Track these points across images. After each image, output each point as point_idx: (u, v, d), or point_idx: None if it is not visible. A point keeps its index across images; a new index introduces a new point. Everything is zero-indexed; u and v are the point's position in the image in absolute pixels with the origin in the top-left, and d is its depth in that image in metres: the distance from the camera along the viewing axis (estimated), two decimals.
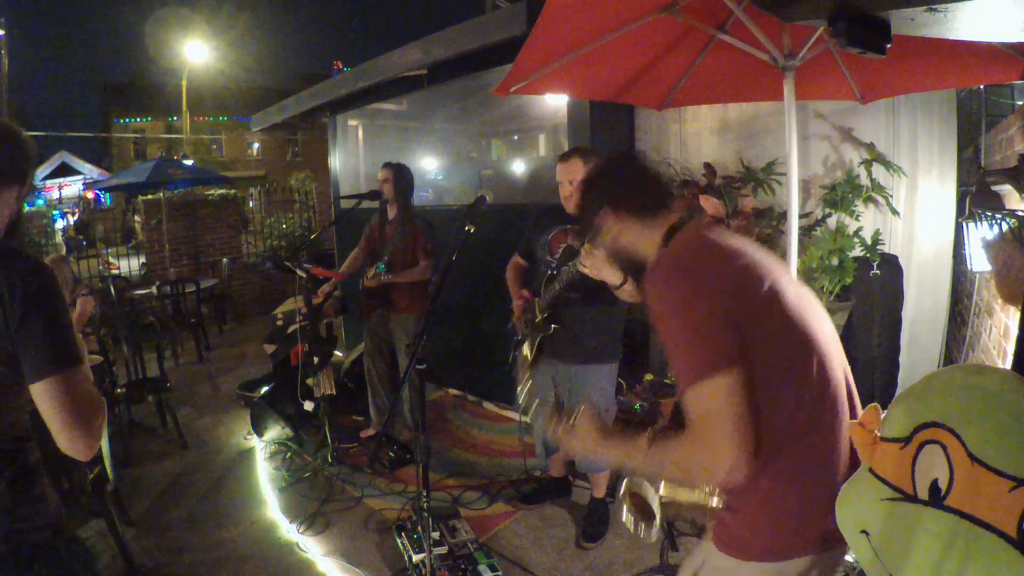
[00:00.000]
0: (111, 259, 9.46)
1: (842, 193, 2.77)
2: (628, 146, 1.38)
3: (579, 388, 2.43)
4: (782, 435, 1.06)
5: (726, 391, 0.98)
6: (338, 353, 4.92)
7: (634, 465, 1.16)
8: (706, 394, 1.00)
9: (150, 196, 7.85)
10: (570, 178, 2.33)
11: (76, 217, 17.36)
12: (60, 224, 13.71)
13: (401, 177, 3.33)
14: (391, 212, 3.37)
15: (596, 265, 2.02)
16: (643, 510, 1.33)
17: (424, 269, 3.24)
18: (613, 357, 2.47)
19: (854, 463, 1.13)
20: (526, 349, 2.49)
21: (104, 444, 2.43)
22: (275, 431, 3.65)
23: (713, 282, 1.06)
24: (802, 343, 1.09)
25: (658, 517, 1.29)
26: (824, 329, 1.15)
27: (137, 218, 15.24)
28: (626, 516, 1.34)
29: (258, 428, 3.68)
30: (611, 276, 2.09)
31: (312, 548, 2.58)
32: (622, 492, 1.36)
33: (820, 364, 1.09)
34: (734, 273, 1.09)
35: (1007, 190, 1.97)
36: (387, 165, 3.35)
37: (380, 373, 3.55)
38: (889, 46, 1.20)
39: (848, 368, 1.19)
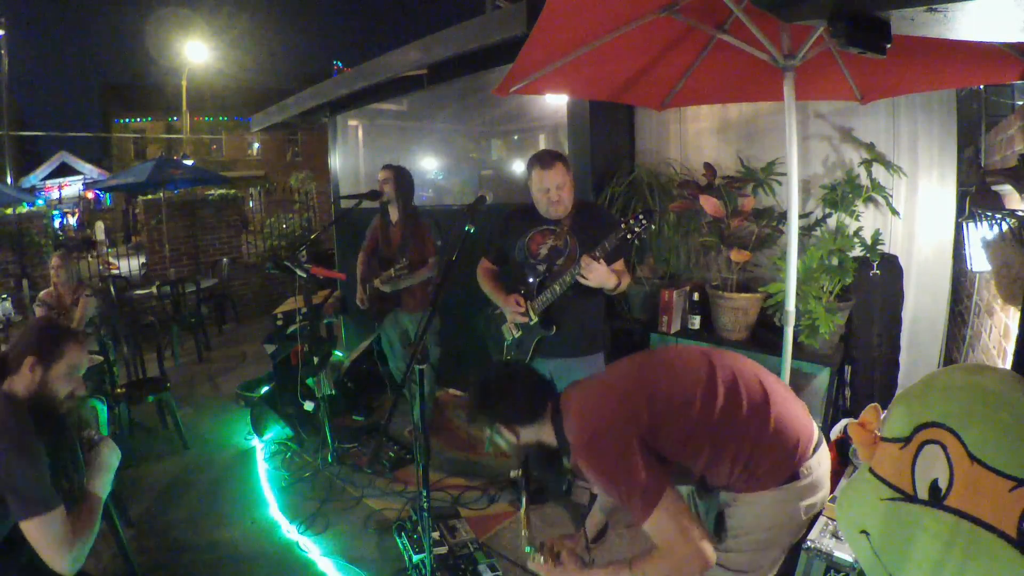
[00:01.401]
0: (111, 259, 9.46)
1: (842, 193, 2.77)
2: (496, 368, 1.79)
3: (579, 377, 2.46)
4: (732, 460, 1.40)
5: (668, 515, 1.30)
6: (338, 353, 4.92)
7: None
8: (656, 524, 1.31)
9: (150, 196, 7.85)
10: (557, 183, 2.34)
11: (76, 217, 17.37)
12: (57, 223, 13.73)
13: (402, 177, 3.33)
14: (394, 214, 3.36)
15: (598, 275, 2.15)
16: None
17: (433, 267, 3.25)
18: (601, 347, 2.55)
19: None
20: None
21: None
22: (275, 431, 3.65)
23: (614, 435, 1.36)
24: (691, 401, 1.40)
25: None
26: (698, 366, 1.47)
27: (99, 223, 15.26)
28: None
29: (258, 428, 3.68)
30: (610, 282, 2.22)
31: (312, 548, 2.58)
32: None
33: (709, 392, 1.41)
34: (618, 407, 1.41)
35: (1007, 190, 1.97)
36: (388, 166, 3.35)
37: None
38: (889, 46, 1.20)
39: (731, 357, 1.54)
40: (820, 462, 1.45)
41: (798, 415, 1.44)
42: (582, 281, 2.20)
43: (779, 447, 1.39)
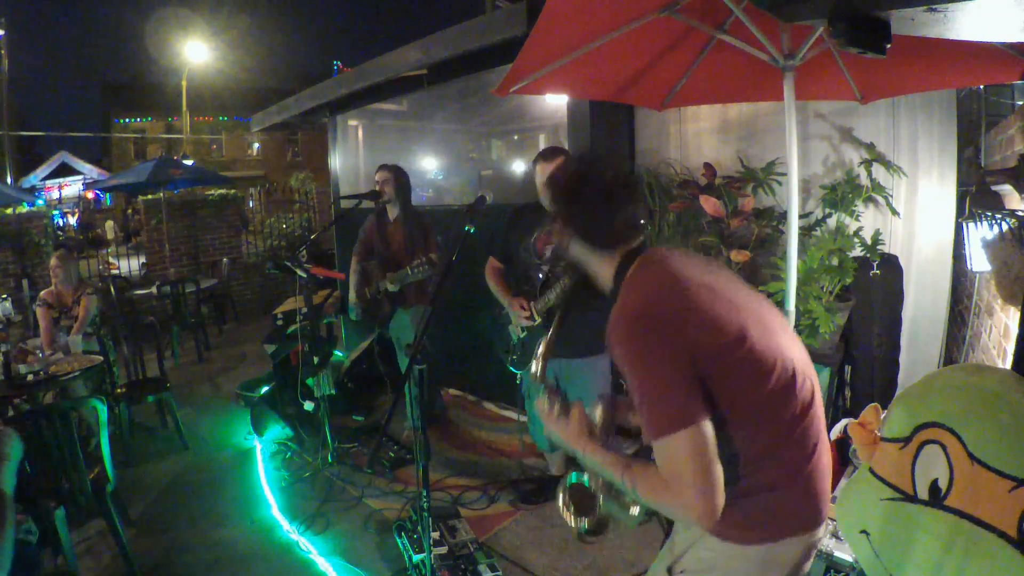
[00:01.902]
0: (111, 259, 9.46)
1: (842, 193, 2.77)
2: (601, 159, 1.33)
3: (580, 381, 2.45)
4: (760, 454, 1.10)
5: (690, 446, 1.01)
6: (338, 353, 4.92)
7: (607, 477, 1.19)
8: (671, 449, 1.02)
9: (150, 196, 7.85)
10: None
11: (76, 217, 17.37)
12: (60, 223, 13.75)
13: (401, 177, 3.33)
14: (391, 213, 3.36)
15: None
16: (582, 503, 1.32)
17: (435, 263, 3.24)
18: (605, 349, 2.51)
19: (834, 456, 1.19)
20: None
21: (104, 445, 2.43)
22: (275, 431, 3.65)
23: (675, 335, 1.06)
24: (769, 373, 1.09)
25: (597, 515, 1.30)
26: (788, 346, 1.16)
27: (110, 223, 15.30)
28: (563, 503, 1.33)
29: (258, 428, 3.68)
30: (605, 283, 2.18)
31: (312, 548, 2.58)
32: (565, 483, 1.34)
33: (788, 386, 1.11)
34: (697, 318, 1.08)
35: (1007, 190, 1.97)
36: (384, 167, 3.35)
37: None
38: (889, 46, 1.20)
39: (815, 376, 1.21)
40: (792, 547, 1.15)
41: (825, 488, 1.17)
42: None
43: (790, 496, 1.14)
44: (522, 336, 2.50)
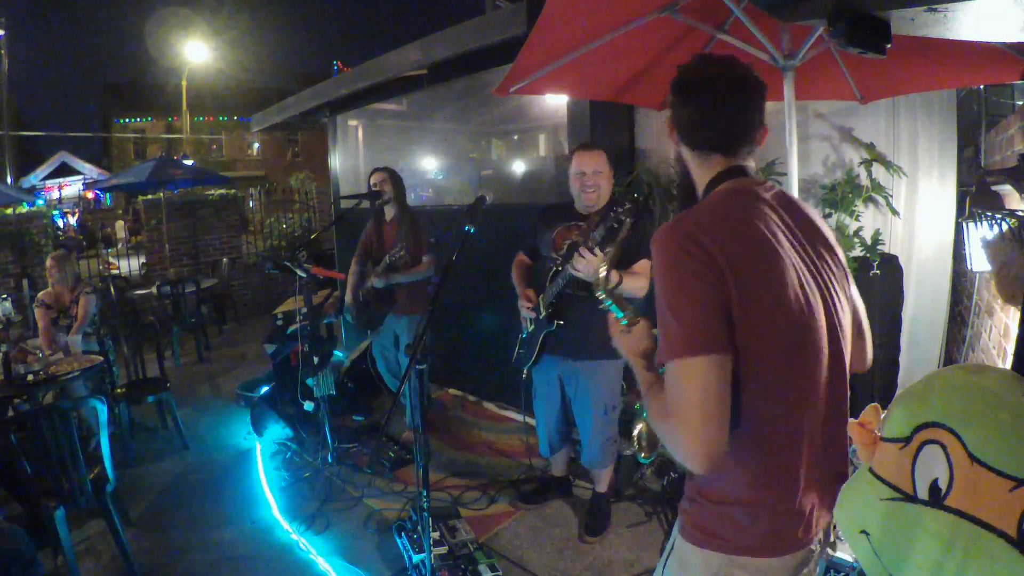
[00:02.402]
0: (111, 259, 9.47)
1: (842, 193, 2.77)
2: (724, 61, 1.11)
3: (586, 384, 2.43)
4: (757, 441, 1.02)
5: (700, 377, 0.93)
6: (338, 353, 4.92)
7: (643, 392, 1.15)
8: (679, 374, 0.95)
9: (150, 196, 7.85)
10: (595, 168, 2.34)
11: (76, 217, 17.38)
12: (60, 223, 13.76)
13: (397, 177, 3.36)
14: (389, 213, 3.37)
15: (589, 268, 2.09)
16: (652, 436, 1.36)
17: (428, 265, 3.25)
18: (614, 354, 2.46)
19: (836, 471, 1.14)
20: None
21: (104, 445, 2.43)
22: (275, 431, 3.65)
23: (718, 276, 0.96)
24: (800, 352, 1.01)
25: (656, 450, 1.35)
26: (825, 331, 1.06)
27: (120, 224, 15.35)
28: (638, 430, 1.37)
29: (258, 428, 3.68)
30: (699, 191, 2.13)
31: (312, 548, 2.58)
32: (642, 414, 1.39)
33: (813, 374, 1.03)
34: (748, 273, 0.98)
35: (1007, 190, 1.97)
36: (379, 169, 3.37)
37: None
38: (889, 46, 1.20)
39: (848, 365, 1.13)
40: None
41: (813, 509, 1.08)
42: (574, 273, 2.16)
43: (768, 514, 1.04)
44: (530, 329, 2.49)
